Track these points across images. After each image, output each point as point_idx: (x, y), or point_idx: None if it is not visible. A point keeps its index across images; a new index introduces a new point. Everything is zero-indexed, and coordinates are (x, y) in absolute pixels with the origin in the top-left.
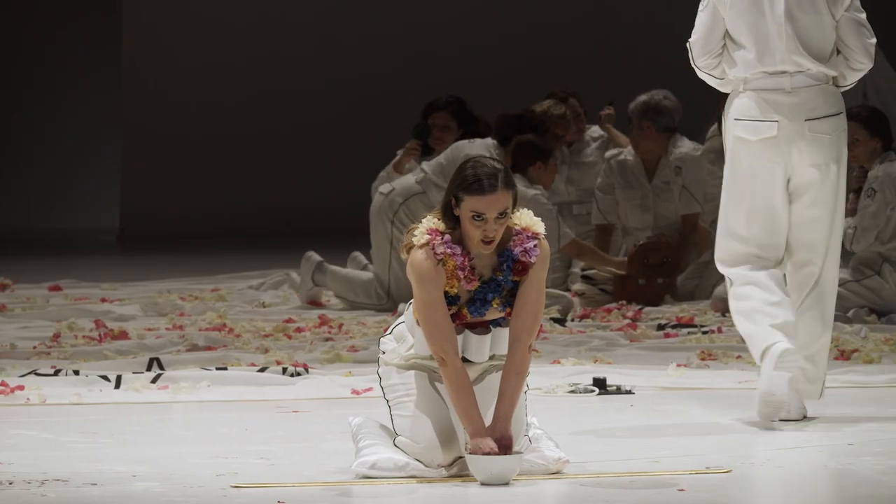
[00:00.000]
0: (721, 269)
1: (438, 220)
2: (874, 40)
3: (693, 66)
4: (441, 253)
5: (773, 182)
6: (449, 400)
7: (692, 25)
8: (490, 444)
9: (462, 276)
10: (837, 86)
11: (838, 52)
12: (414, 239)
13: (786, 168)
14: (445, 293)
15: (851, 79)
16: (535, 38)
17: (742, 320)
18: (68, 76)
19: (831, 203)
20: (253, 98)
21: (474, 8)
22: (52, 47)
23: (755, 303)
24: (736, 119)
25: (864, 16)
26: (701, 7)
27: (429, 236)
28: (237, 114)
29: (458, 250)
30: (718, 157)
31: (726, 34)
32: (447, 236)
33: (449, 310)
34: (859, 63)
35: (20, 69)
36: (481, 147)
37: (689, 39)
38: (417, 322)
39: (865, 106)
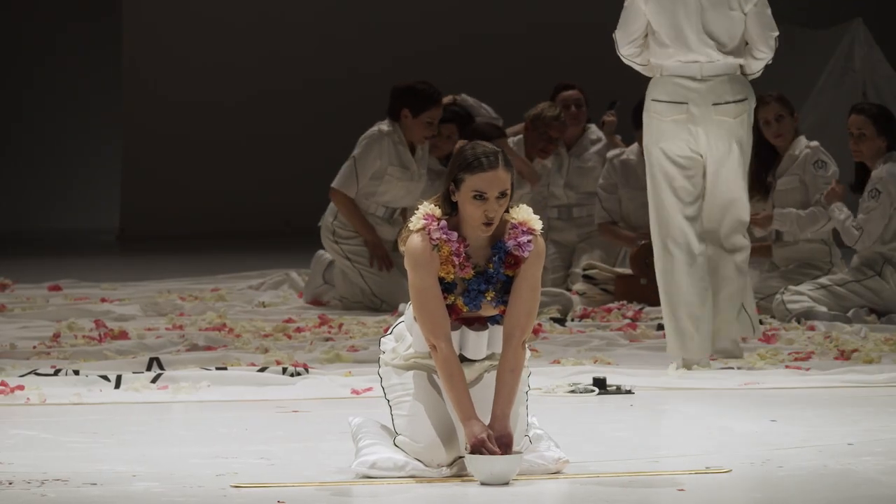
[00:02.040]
0: (654, 237)
1: (436, 206)
2: (776, 33)
3: (619, 54)
4: (437, 238)
5: (682, 157)
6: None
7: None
8: (480, 428)
9: (457, 263)
10: (745, 74)
11: (746, 43)
12: (410, 224)
13: (694, 147)
14: (441, 280)
15: (756, 67)
16: (535, 37)
17: (668, 307)
18: (68, 76)
19: (738, 178)
20: (253, 98)
21: (475, 6)
22: (52, 48)
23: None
24: (653, 100)
25: (769, 11)
26: (626, 3)
27: (425, 221)
28: (237, 114)
29: (454, 236)
30: None
31: (648, 25)
32: (443, 222)
33: (445, 299)
34: (761, 53)
35: (20, 69)
36: (374, 133)
37: (614, 32)
38: (416, 318)
39: (874, 103)
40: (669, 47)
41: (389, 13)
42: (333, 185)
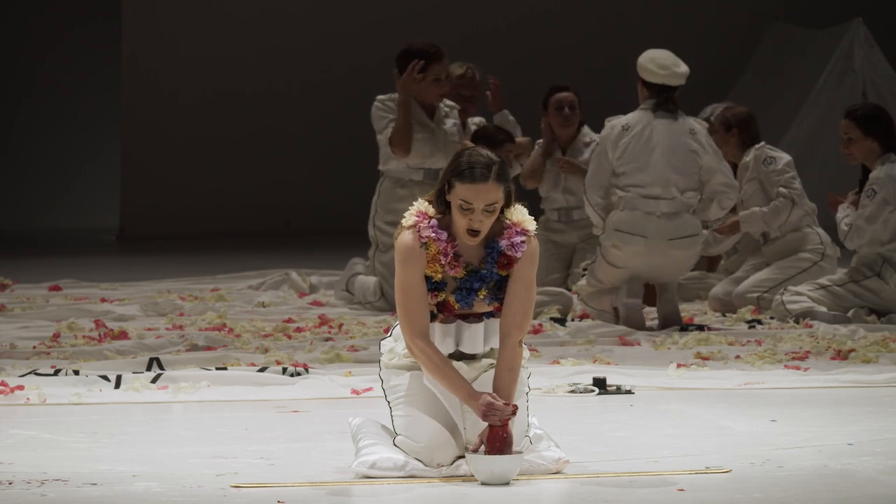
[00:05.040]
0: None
1: (430, 203)
2: (736, 186)
3: (586, 201)
4: (426, 236)
5: (634, 276)
6: (446, 398)
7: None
8: (485, 397)
9: (444, 262)
10: (704, 220)
11: (701, 195)
12: (403, 221)
13: (641, 274)
14: (430, 279)
15: (718, 215)
16: (539, 28)
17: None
18: (70, 77)
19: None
20: (251, 99)
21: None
22: (54, 48)
23: None
24: (615, 230)
25: (724, 166)
26: (593, 155)
27: (416, 218)
28: (236, 115)
29: (444, 236)
30: None
31: (613, 172)
32: (434, 220)
33: (436, 297)
34: (727, 202)
35: (22, 70)
36: (374, 105)
37: (585, 182)
38: (397, 313)
39: (864, 105)
40: (634, 184)
41: (390, 11)
42: (380, 166)
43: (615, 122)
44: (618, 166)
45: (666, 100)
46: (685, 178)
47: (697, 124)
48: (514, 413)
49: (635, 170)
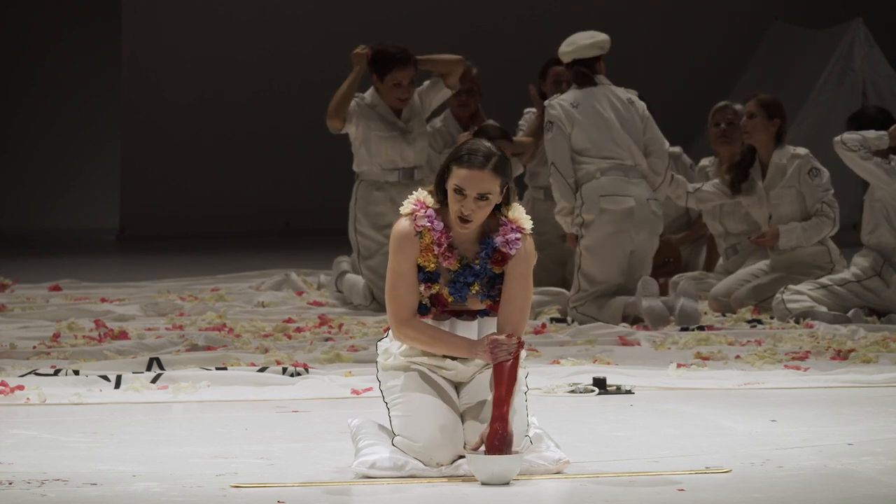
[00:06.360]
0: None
1: (430, 193)
2: (667, 145)
3: (561, 178)
4: (421, 225)
5: (626, 245)
6: (443, 395)
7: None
8: (492, 337)
9: (438, 252)
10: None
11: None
12: (402, 208)
13: (633, 237)
14: (423, 269)
15: (657, 182)
16: (539, 28)
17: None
18: (70, 77)
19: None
20: (251, 99)
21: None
22: (54, 48)
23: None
24: (601, 195)
25: (657, 133)
26: (547, 136)
27: (414, 206)
28: (236, 115)
29: (439, 226)
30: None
31: (571, 148)
32: (431, 211)
33: (429, 288)
34: (658, 171)
35: (23, 70)
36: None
37: (552, 161)
38: (385, 297)
39: (865, 108)
40: (603, 155)
41: (390, 11)
42: (354, 167)
43: (559, 102)
44: (579, 142)
45: (581, 73)
46: (640, 146)
47: (631, 94)
48: (521, 346)
49: (604, 143)
